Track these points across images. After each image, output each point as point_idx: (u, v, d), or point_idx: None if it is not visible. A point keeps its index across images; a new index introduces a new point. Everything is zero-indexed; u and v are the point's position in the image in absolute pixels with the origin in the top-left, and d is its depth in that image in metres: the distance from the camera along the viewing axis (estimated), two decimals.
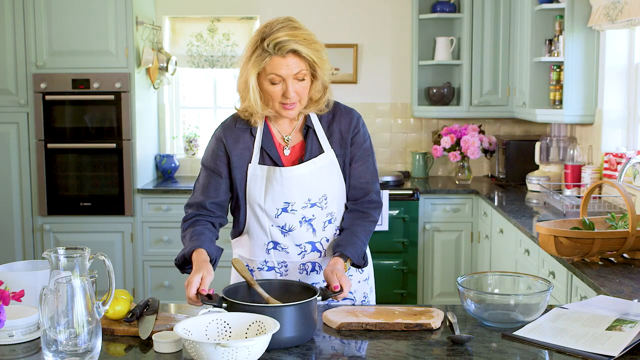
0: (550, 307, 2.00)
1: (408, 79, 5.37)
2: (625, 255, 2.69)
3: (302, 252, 2.20)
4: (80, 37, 4.78)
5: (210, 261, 2.06)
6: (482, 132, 5.13)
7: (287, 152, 2.19)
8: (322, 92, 2.15)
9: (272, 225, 2.19)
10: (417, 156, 5.31)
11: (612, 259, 2.67)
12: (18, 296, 1.84)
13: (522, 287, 2.04)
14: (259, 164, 2.17)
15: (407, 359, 1.72)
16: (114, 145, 4.86)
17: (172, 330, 1.83)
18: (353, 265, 2.16)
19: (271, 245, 2.21)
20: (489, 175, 5.40)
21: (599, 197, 3.96)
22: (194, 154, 5.50)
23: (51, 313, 1.50)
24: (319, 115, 2.21)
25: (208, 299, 1.85)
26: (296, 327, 1.76)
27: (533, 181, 4.54)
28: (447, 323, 1.94)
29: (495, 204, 4.24)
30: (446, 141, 5.04)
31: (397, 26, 5.36)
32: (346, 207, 2.24)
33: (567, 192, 4.18)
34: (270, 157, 2.17)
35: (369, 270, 2.37)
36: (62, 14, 4.76)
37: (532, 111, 4.50)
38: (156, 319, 1.91)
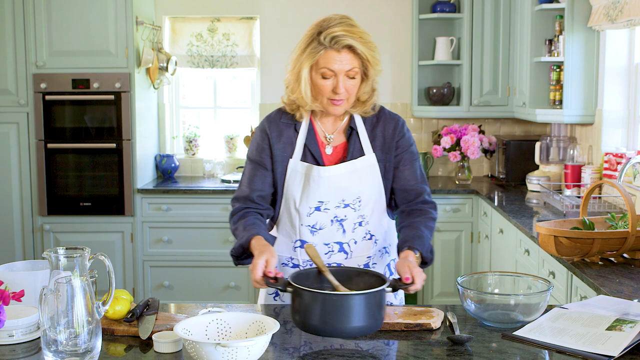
0: (550, 307, 2.00)
1: (408, 79, 5.37)
2: (625, 255, 2.69)
3: (329, 251, 2.19)
4: (80, 37, 4.78)
5: None
6: (482, 132, 5.13)
7: (329, 150, 2.19)
8: (370, 94, 2.16)
9: (302, 225, 2.19)
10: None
11: (612, 259, 2.67)
12: (18, 296, 1.84)
13: (522, 287, 2.04)
14: (300, 160, 2.18)
15: (407, 359, 1.72)
16: (114, 145, 4.86)
17: (172, 330, 1.83)
18: (422, 260, 2.09)
19: (299, 243, 2.21)
20: (489, 175, 5.40)
21: (599, 197, 3.96)
22: (194, 154, 5.50)
23: (51, 313, 1.50)
24: (363, 118, 2.21)
25: (274, 282, 1.82)
26: (364, 317, 1.70)
27: (533, 181, 4.54)
28: (447, 323, 1.94)
29: (495, 204, 4.24)
30: (446, 141, 5.04)
31: (397, 26, 5.36)
32: (402, 211, 2.22)
33: (567, 192, 4.18)
34: (312, 155, 2.18)
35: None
36: (62, 14, 4.76)
37: (532, 111, 4.50)
38: (156, 319, 1.91)
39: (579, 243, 2.57)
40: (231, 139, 5.48)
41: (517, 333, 1.82)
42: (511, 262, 3.87)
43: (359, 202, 2.17)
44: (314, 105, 2.13)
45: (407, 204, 2.21)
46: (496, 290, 2.05)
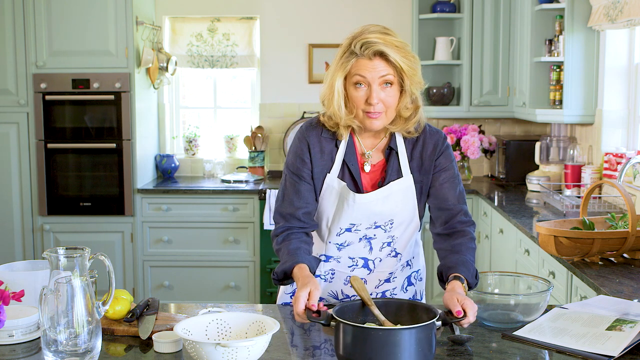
0: (550, 307, 2.00)
1: None
2: (625, 255, 2.69)
3: (353, 265, 2.15)
4: (80, 37, 4.78)
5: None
6: (482, 132, 5.13)
7: (367, 168, 2.10)
8: (412, 111, 2.03)
9: (330, 242, 2.14)
10: None
11: (612, 259, 2.67)
12: (18, 296, 1.84)
13: (522, 287, 2.04)
14: (337, 177, 2.09)
15: None
16: (114, 145, 4.86)
17: (172, 330, 1.82)
18: (468, 286, 1.97)
19: (323, 258, 2.17)
20: (489, 175, 5.40)
21: (599, 197, 3.96)
22: (194, 154, 5.50)
23: (51, 313, 1.50)
24: (405, 138, 2.10)
25: (317, 316, 1.72)
26: (413, 354, 1.58)
27: (533, 181, 4.54)
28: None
29: (495, 204, 4.23)
30: None
31: (397, 26, 5.35)
32: (440, 233, 2.12)
33: (567, 192, 4.18)
34: (350, 172, 2.09)
35: (421, 289, 2.29)
36: (62, 14, 4.76)
37: (532, 111, 4.50)
38: (156, 319, 1.91)
39: (579, 243, 2.56)
40: (231, 139, 5.48)
41: (517, 333, 1.82)
42: (511, 262, 3.87)
43: (391, 224, 2.10)
44: (349, 120, 2.02)
45: (444, 226, 2.11)
46: (496, 290, 2.05)
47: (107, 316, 1.90)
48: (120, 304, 1.91)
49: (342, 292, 2.19)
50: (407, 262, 2.22)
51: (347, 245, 2.13)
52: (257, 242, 4.91)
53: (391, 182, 2.07)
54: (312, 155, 2.09)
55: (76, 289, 1.50)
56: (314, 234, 2.17)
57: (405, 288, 2.23)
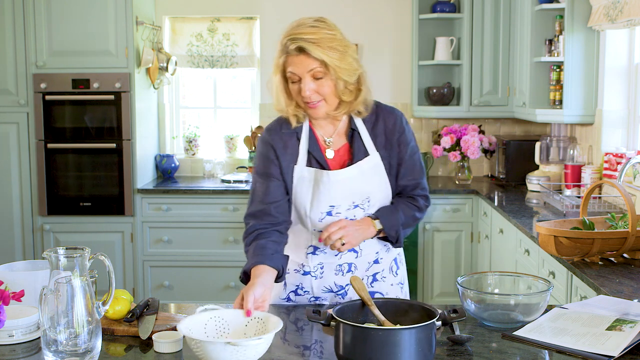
0: (550, 307, 2.00)
1: (408, 79, 5.37)
2: (625, 255, 2.68)
3: (339, 253, 2.19)
4: (80, 37, 4.78)
5: (278, 273, 2.04)
6: (482, 132, 5.13)
7: (330, 154, 2.18)
8: (354, 93, 2.12)
9: (315, 230, 2.18)
10: None
11: (612, 259, 2.67)
12: (18, 296, 1.84)
13: (522, 287, 2.04)
14: (305, 166, 2.16)
15: None
16: (114, 145, 4.86)
17: (172, 330, 1.83)
18: (385, 237, 2.16)
19: (311, 249, 2.21)
20: (489, 175, 5.40)
21: (599, 197, 3.96)
22: (194, 154, 5.50)
23: (51, 313, 1.50)
24: (363, 119, 2.19)
25: (318, 316, 1.71)
26: (413, 354, 1.58)
27: (533, 181, 4.54)
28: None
29: (495, 204, 4.24)
30: (446, 141, 5.04)
31: (397, 26, 5.36)
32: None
33: (567, 192, 4.18)
34: (316, 160, 2.16)
35: (403, 275, 2.34)
36: (62, 14, 4.76)
37: (532, 111, 4.50)
38: (156, 319, 1.91)
39: (579, 243, 2.56)
40: (231, 139, 5.48)
41: (517, 333, 1.82)
42: (511, 262, 3.87)
43: (368, 202, 2.16)
44: (295, 110, 2.14)
45: (400, 194, 2.24)
46: (496, 290, 2.05)
47: (107, 316, 1.90)
48: (120, 304, 1.91)
49: (335, 285, 2.21)
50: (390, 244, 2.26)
51: None
52: None
53: (360, 161, 2.15)
54: (277, 152, 2.17)
55: (76, 289, 1.50)
56: (297, 227, 2.20)
57: (396, 272, 2.28)
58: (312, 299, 2.24)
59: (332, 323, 1.66)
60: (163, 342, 1.73)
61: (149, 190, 4.91)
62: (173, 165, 5.35)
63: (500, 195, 4.56)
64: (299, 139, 2.18)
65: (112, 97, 4.82)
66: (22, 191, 4.92)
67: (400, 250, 2.34)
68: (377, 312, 1.74)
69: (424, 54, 5.23)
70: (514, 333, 1.82)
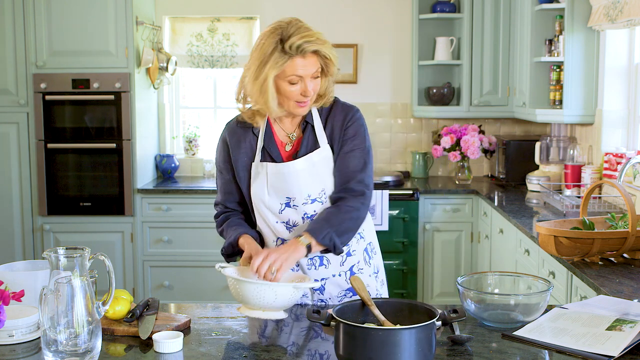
0: (550, 307, 2.00)
1: (408, 79, 5.37)
2: (625, 255, 2.69)
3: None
4: (80, 37, 4.78)
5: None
6: (482, 132, 5.13)
7: (288, 148, 2.22)
8: (329, 87, 2.20)
9: (277, 222, 2.21)
10: (417, 156, 5.31)
11: (612, 259, 2.67)
12: (18, 296, 1.84)
13: (522, 287, 2.04)
14: (260, 161, 2.20)
15: None
16: (114, 145, 4.86)
17: (173, 330, 1.83)
18: (324, 249, 2.12)
19: (279, 242, 2.23)
20: (489, 175, 5.40)
21: (599, 197, 3.96)
22: (194, 154, 5.50)
23: (51, 313, 1.50)
24: (319, 110, 2.23)
25: (317, 316, 1.72)
26: (413, 354, 1.58)
27: (533, 181, 4.54)
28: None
29: (495, 204, 4.24)
30: (446, 141, 5.04)
31: (397, 26, 5.36)
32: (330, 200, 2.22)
33: (567, 192, 4.18)
34: (270, 155, 2.20)
35: (378, 263, 2.37)
36: (62, 14, 4.76)
37: (532, 111, 4.50)
38: (156, 319, 1.91)
39: (579, 243, 2.56)
40: None
41: (517, 333, 1.82)
42: (511, 262, 3.87)
43: (324, 194, 2.19)
44: (279, 112, 2.15)
45: (335, 193, 2.20)
46: (496, 290, 2.05)
47: (107, 316, 1.91)
48: (120, 304, 1.91)
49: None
50: (359, 234, 2.29)
51: (294, 226, 2.20)
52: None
53: (310, 153, 2.17)
54: (231, 149, 2.24)
55: (76, 289, 1.50)
56: (262, 221, 2.24)
57: (369, 262, 2.31)
58: None
59: (332, 323, 1.66)
60: (163, 342, 1.73)
61: (149, 190, 4.91)
62: (173, 165, 5.35)
63: (500, 195, 4.56)
64: (255, 135, 2.23)
65: (112, 97, 4.82)
66: (22, 191, 4.92)
67: (372, 239, 2.35)
68: (377, 312, 1.75)
69: (424, 54, 5.23)
70: (514, 333, 1.82)
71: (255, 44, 2.13)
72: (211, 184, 5.07)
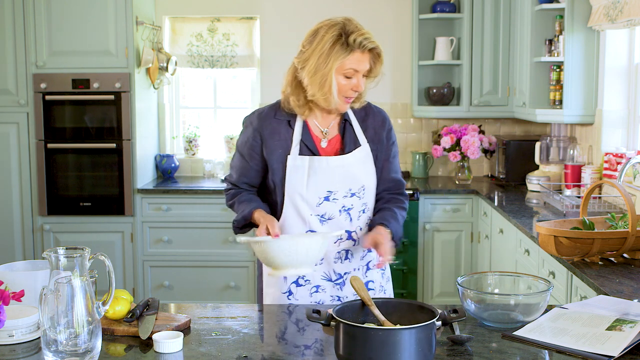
0: (550, 307, 2.00)
1: (408, 79, 5.37)
2: (625, 255, 2.69)
3: (338, 239, 2.28)
4: (80, 37, 4.78)
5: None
6: (482, 132, 5.13)
7: (324, 144, 2.29)
8: (367, 88, 2.30)
9: (312, 215, 2.26)
10: (417, 156, 5.31)
11: (612, 259, 2.67)
12: (18, 296, 1.84)
13: (522, 287, 2.04)
14: (299, 155, 2.25)
15: None
16: (114, 145, 4.86)
17: (173, 330, 1.83)
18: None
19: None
20: (489, 175, 5.40)
21: (599, 197, 3.96)
22: (194, 154, 5.50)
23: (51, 313, 1.50)
24: (353, 111, 2.33)
25: (317, 316, 1.71)
26: (412, 354, 1.58)
27: (533, 181, 4.54)
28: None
29: (495, 204, 4.24)
30: (446, 141, 5.04)
31: (397, 26, 5.36)
32: (381, 198, 2.37)
33: (567, 192, 4.18)
34: (309, 149, 2.26)
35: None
36: (62, 14, 4.76)
37: (532, 111, 4.50)
38: (156, 319, 1.91)
39: (579, 243, 2.56)
40: (231, 139, 5.48)
41: (517, 333, 1.82)
42: (511, 262, 3.87)
43: (363, 190, 2.28)
44: (335, 103, 2.22)
45: (388, 192, 2.38)
46: (496, 290, 2.05)
47: (107, 316, 1.90)
48: (120, 304, 1.91)
49: (334, 272, 2.30)
50: None
51: (328, 219, 2.26)
52: None
53: (355, 150, 2.28)
54: (264, 138, 2.27)
55: (76, 289, 1.50)
56: (293, 213, 2.27)
57: (378, 258, 2.32)
58: (313, 289, 2.29)
59: (332, 323, 1.66)
60: (163, 342, 1.73)
61: (149, 190, 4.91)
62: (173, 165, 5.35)
63: (500, 195, 4.56)
64: (291, 128, 2.27)
65: (112, 97, 4.82)
66: (22, 191, 4.92)
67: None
68: (377, 312, 1.75)
69: (424, 54, 5.23)
70: (514, 333, 1.82)
71: (308, 39, 2.21)
72: (211, 184, 5.08)
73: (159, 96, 5.43)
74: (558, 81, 4.37)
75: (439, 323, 1.66)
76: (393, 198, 2.37)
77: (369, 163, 2.30)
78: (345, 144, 2.28)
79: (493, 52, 5.00)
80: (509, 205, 4.12)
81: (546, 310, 1.96)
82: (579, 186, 4.18)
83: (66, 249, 1.57)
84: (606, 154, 4.03)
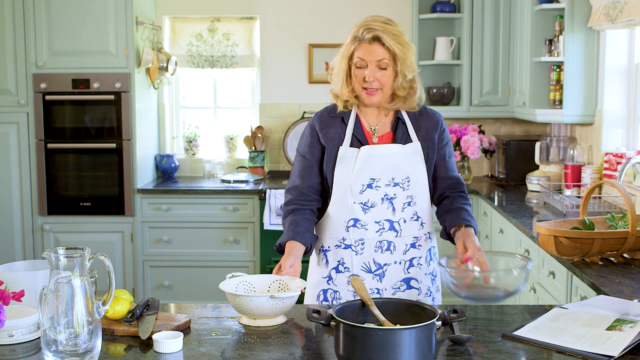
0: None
1: None
2: (625, 255, 2.68)
3: (380, 229, 2.32)
4: (80, 37, 4.78)
5: (306, 249, 2.30)
6: (482, 132, 5.13)
7: (375, 139, 2.36)
8: (407, 90, 2.32)
9: (355, 202, 2.32)
10: None
11: (612, 259, 2.67)
12: (18, 296, 1.84)
13: (501, 264, 2.14)
14: (350, 147, 2.33)
15: None
16: (114, 145, 4.86)
17: (173, 330, 1.83)
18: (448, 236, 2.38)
19: (351, 222, 2.33)
20: (489, 175, 5.40)
21: (599, 197, 3.96)
22: (194, 154, 5.50)
23: (51, 313, 1.50)
24: (408, 113, 2.39)
25: (318, 316, 1.72)
26: (412, 354, 1.57)
27: (533, 181, 4.54)
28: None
29: (495, 204, 4.23)
30: None
31: None
32: (445, 196, 2.43)
33: (567, 192, 4.18)
34: (360, 142, 2.34)
35: (436, 270, 2.49)
36: (62, 14, 4.76)
37: (532, 111, 4.50)
38: (156, 319, 1.91)
39: (579, 243, 2.56)
40: (231, 139, 5.48)
41: (517, 333, 1.82)
42: None
43: (408, 182, 2.32)
44: (350, 94, 2.32)
45: (451, 191, 2.42)
46: (476, 268, 2.10)
47: (107, 316, 1.90)
48: (120, 304, 1.91)
49: (374, 262, 2.33)
50: (429, 234, 2.43)
51: (371, 207, 2.31)
52: (257, 242, 4.91)
53: (405, 145, 2.34)
54: (320, 134, 2.37)
55: (76, 289, 1.50)
56: (338, 201, 2.34)
57: (429, 263, 2.43)
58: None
59: (332, 323, 1.66)
60: (163, 342, 1.73)
61: (149, 190, 4.91)
62: (173, 165, 5.35)
63: (500, 195, 4.56)
64: (345, 123, 2.36)
65: (112, 97, 4.82)
66: (22, 191, 4.92)
67: (435, 244, 2.51)
68: (377, 312, 1.75)
69: (424, 54, 5.23)
70: (514, 333, 1.82)
71: None
72: (211, 184, 5.08)
73: (159, 96, 5.43)
74: (558, 81, 4.37)
75: (439, 323, 1.67)
76: (459, 196, 2.41)
77: (417, 158, 2.34)
78: (396, 139, 2.35)
79: (493, 52, 5.00)
80: (509, 205, 4.12)
81: (546, 310, 1.96)
82: (579, 186, 4.18)
83: (66, 249, 1.57)
84: (606, 154, 4.03)
